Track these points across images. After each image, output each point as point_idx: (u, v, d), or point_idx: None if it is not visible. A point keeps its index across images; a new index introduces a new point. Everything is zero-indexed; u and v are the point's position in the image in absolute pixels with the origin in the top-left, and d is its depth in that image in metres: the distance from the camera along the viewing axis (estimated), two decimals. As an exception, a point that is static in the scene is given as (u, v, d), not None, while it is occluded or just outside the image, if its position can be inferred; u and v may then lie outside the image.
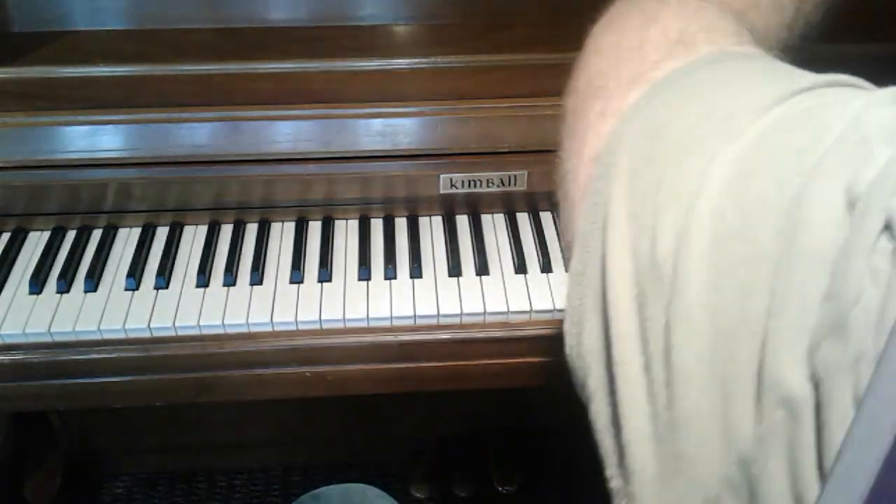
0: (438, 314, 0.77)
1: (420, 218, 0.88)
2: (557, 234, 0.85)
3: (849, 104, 0.28)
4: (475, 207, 0.88)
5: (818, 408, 0.25)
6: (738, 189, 0.28)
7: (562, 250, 0.83)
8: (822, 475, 0.25)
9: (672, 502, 0.30)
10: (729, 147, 0.30)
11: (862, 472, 0.23)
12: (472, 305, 0.78)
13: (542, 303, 0.78)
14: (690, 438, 0.29)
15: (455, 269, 0.81)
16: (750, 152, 0.29)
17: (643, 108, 0.35)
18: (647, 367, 0.30)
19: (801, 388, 0.25)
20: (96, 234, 0.85)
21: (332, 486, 0.80)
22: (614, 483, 0.33)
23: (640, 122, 0.35)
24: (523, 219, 0.88)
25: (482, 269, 0.81)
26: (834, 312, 0.25)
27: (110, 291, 0.79)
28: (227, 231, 0.86)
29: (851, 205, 0.25)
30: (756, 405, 0.27)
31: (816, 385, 0.25)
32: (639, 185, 0.32)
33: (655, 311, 0.30)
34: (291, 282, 0.80)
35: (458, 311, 0.77)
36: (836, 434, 0.24)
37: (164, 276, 0.80)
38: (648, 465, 0.30)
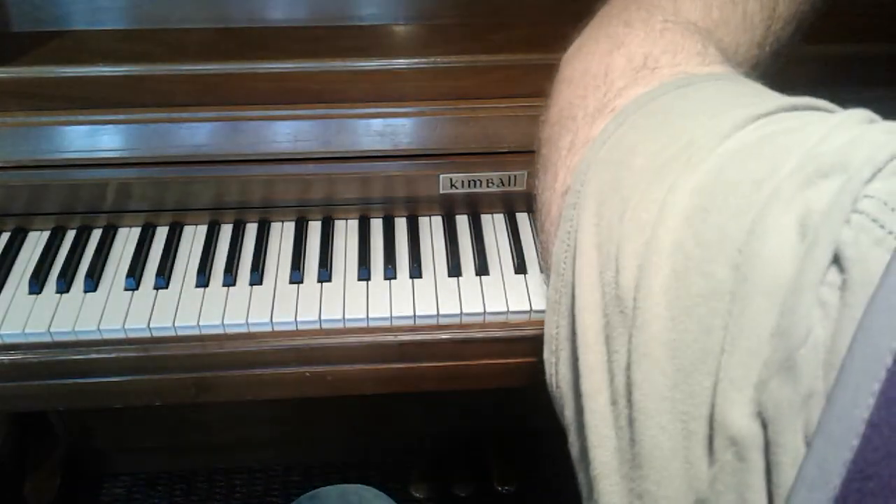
0: (438, 314, 0.77)
1: (420, 218, 0.88)
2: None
3: (808, 130, 0.28)
4: (475, 207, 0.88)
5: (767, 448, 0.24)
6: (697, 220, 0.28)
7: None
8: None
9: None
10: (689, 175, 0.29)
11: None
12: (472, 305, 0.78)
13: (541, 303, 0.78)
14: (651, 477, 0.28)
15: (455, 270, 0.81)
16: (708, 181, 0.28)
17: (610, 135, 0.34)
18: (614, 402, 0.30)
19: (748, 427, 0.25)
20: (96, 234, 0.85)
21: (329, 487, 0.80)
22: None
23: (606, 149, 0.34)
24: (523, 219, 0.88)
25: (482, 269, 0.81)
26: (782, 350, 0.24)
27: (110, 291, 0.79)
28: (226, 231, 0.86)
29: (804, 237, 0.24)
30: (709, 446, 0.26)
31: (765, 424, 0.24)
32: (605, 214, 0.32)
33: (619, 344, 0.29)
34: (291, 282, 0.80)
35: (458, 312, 0.77)
36: (788, 475, 0.23)
37: (164, 276, 0.80)
38: (615, 502, 0.30)
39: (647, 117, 0.34)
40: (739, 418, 0.25)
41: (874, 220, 0.23)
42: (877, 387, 0.21)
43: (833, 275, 0.23)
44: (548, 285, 0.36)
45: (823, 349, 0.23)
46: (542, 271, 0.81)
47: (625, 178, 0.32)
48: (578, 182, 0.34)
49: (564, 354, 0.34)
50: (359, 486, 0.80)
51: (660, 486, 0.28)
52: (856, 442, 0.22)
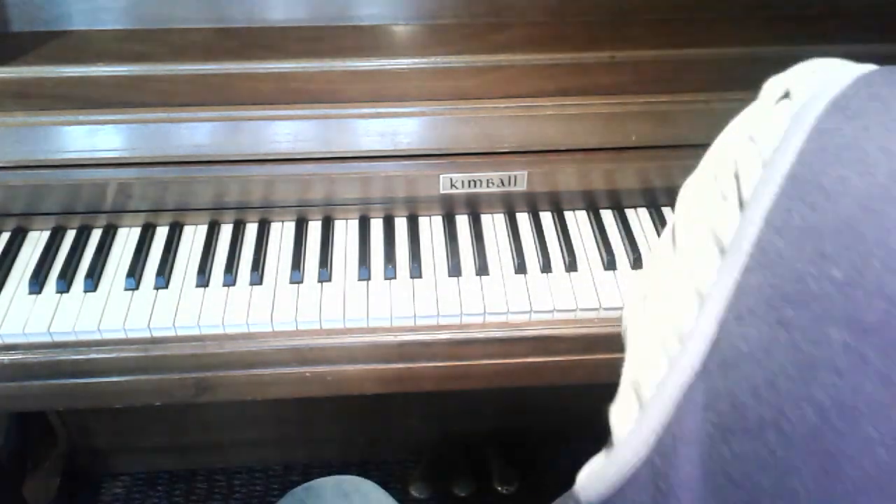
0: (438, 314, 0.77)
1: (420, 218, 0.87)
2: (557, 234, 0.85)
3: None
4: (475, 207, 0.88)
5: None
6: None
7: (561, 250, 0.83)
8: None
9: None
10: None
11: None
12: (472, 306, 0.78)
13: (541, 303, 0.78)
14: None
15: (455, 270, 0.81)
16: None
17: None
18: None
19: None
20: (96, 234, 0.85)
21: (325, 478, 0.79)
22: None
23: None
24: (523, 219, 0.88)
25: (482, 269, 0.81)
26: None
27: (110, 291, 0.79)
28: (226, 231, 0.86)
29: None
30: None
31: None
32: None
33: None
34: (291, 282, 0.80)
35: (458, 312, 0.77)
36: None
37: (164, 276, 0.80)
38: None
39: None
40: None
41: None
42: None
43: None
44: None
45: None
46: (541, 271, 0.81)
47: None
48: None
49: None
50: (353, 477, 0.80)
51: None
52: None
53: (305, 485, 0.79)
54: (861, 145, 0.28)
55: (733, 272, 0.30)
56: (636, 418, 0.34)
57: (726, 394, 0.29)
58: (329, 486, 0.78)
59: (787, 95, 0.34)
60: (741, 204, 0.32)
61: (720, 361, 0.30)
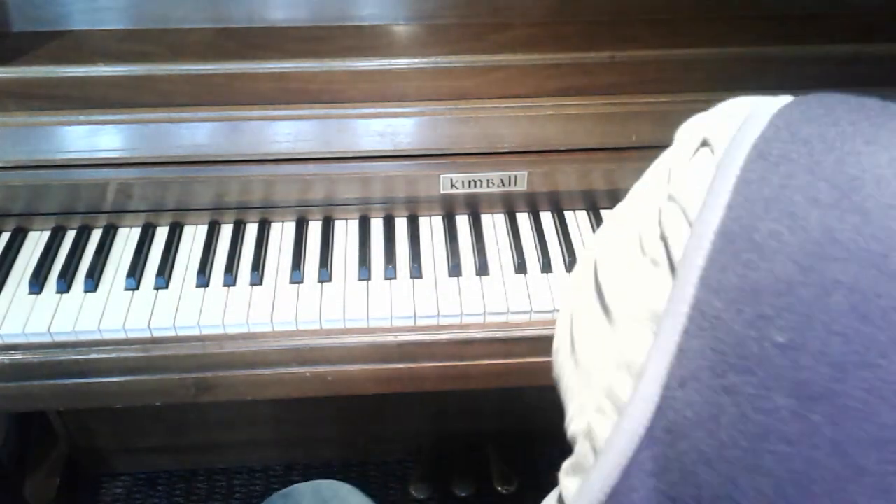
0: (438, 314, 0.77)
1: (420, 218, 0.87)
2: (557, 234, 0.85)
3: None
4: (475, 207, 0.88)
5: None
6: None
7: (561, 250, 0.83)
8: None
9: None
10: None
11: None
12: (472, 306, 0.78)
13: (542, 303, 0.78)
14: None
15: (455, 270, 0.81)
16: None
17: None
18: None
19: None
20: (96, 234, 0.85)
21: (303, 484, 0.79)
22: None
23: None
24: (523, 219, 0.88)
25: (482, 269, 0.81)
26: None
27: (110, 291, 0.79)
28: (226, 231, 0.86)
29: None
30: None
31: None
32: None
33: None
34: (291, 282, 0.80)
35: (458, 312, 0.77)
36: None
37: (164, 276, 0.80)
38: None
39: None
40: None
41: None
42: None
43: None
44: None
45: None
46: (542, 271, 0.81)
47: None
48: None
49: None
50: (332, 481, 0.79)
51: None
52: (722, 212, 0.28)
53: (283, 491, 0.78)
54: (789, 196, 0.26)
55: (673, 336, 0.28)
56: (578, 485, 0.32)
57: (676, 462, 0.28)
58: (308, 492, 0.78)
59: (705, 144, 0.32)
60: (673, 267, 0.30)
61: (666, 428, 0.28)
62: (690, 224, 0.30)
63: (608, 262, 0.36)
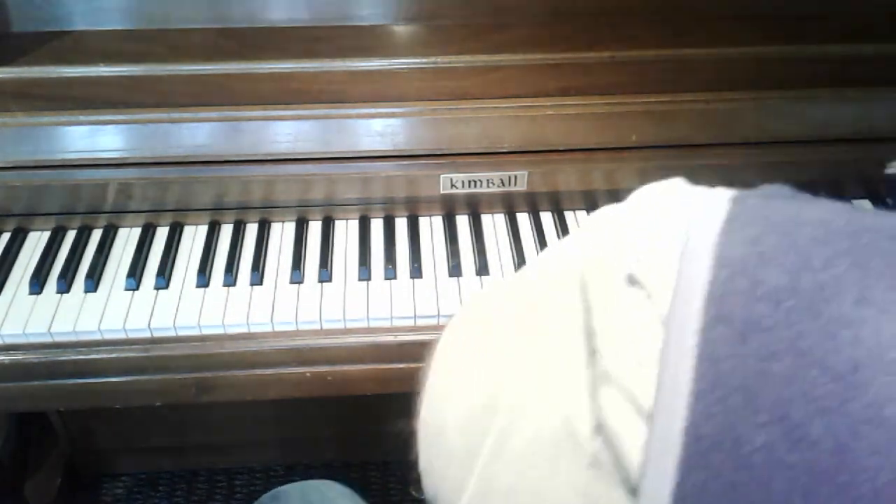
0: (438, 314, 0.77)
1: (420, 218, 0.87)
2: (557, 234, 0.85)
3: None
4: (475, 207, 0.88)
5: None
6: None
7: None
8: None
9: None
10: None
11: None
12: (473, 305, 0.78)
13: (542, 303, 0.78)
14: None
15: (455, 270, 0.81)
16: None
17: None
18: None
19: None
20: (96, 234, 0.85)
21: (292, 484, 0.79)
22: None
23: None
24: (523, 219, 0.88)
25: (482, 269, 0.81)
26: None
27: (110, 291, 0.79)
28: (227, 231, 0.86)
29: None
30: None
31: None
32: None
33: None
34: (291, 282, 0.80)
35: (459, 312, 0.77)
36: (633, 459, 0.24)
37: (165, 276, 0.80)
38: None
39: None
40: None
41: None
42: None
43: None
44: None
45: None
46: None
47: None
48: None
49: None
50: (324, 481, 0.79)
51: None
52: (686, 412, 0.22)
53: (272, 492, 0.78)
54: (776, 391, 0.20)
55: None
56: None
57: None
58: (295, 493, 0.78)
59: (633, 281, 0.25)
60: (626, 478, 0.24)
61: None
62: (646, 417, 0.23)
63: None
